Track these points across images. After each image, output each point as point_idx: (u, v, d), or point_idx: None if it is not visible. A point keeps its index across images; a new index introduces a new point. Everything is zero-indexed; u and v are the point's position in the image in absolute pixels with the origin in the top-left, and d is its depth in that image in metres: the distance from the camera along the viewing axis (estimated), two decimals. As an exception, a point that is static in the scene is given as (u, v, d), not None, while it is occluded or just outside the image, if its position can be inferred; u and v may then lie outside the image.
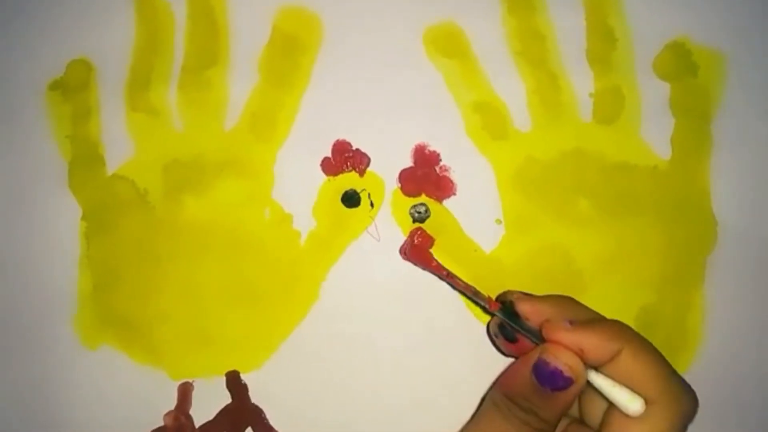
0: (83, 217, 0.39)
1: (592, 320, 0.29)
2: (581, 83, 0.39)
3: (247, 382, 0.37)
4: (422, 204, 0.38)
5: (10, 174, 0.39)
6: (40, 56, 0.40)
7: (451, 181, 0.39)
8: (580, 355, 0.27)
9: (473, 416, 0.31)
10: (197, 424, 0.37)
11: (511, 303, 0.31)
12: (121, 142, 0.39)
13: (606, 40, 0.40)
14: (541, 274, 0.38)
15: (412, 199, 0.39)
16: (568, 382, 0.27)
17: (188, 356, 0.38)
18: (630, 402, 0.27)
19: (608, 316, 0.36)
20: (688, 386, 0.28)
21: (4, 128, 0.40)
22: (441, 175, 0.39)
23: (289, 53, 0.40)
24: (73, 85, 0.40)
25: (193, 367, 0.38)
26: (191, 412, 0.37)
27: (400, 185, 0.39)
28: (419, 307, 0.38)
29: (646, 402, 0.26)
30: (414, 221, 0.38)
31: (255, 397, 0.37)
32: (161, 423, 0.37)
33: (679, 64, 0.39)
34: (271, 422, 0.37)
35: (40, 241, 0.39)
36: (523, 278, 0.38)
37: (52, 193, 0.39)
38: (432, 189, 0.39)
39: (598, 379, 0.28)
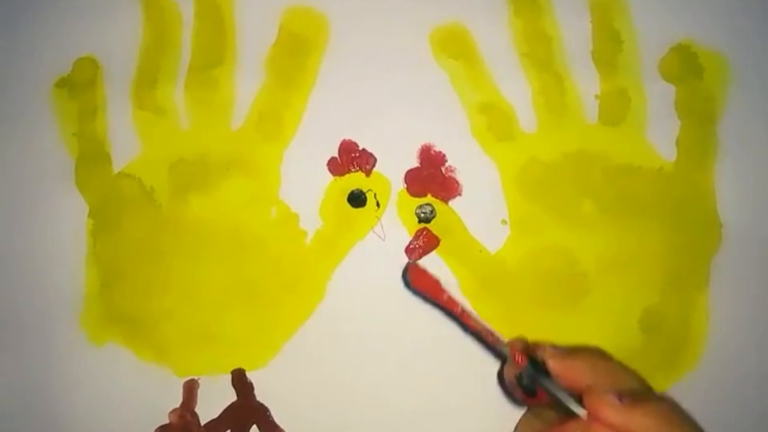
0: (90, 215, 0.39)
1: (640, 395, 0.27)
2: (587, 85, 0.39)
3: (252, 380, 0.37)
4: (428, 204, 0.39)
5: (17, 171, 0.39)
6: (47, 54, 0.40)
7: (457, 182, 0.39)
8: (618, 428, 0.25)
9: None
10: (203, 421, 0.37)
11: (543, 361, 0.28)
12: (127, 140, 0.40)
13: (612, 42, 0.40)
14: (545, 274, 0.38)
15: (417, 199, 0.39)
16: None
17: (194, 354, 0.38)
18: None
19: (612, 318, 0.37)
20: None
21: (11, 125, 0.40)
22: (447, 175, 0.39)
23: (296, 53, 0.40)
24: (80, 83, 0.40)
25: (198, 365, 0.38)
26: (197, 409, 0.37)
27: (406, 185, 0.39)
28: (424, 306, 0.38)
29: None
30: (420, 221, 0.39)
31: (260, 395, 0.37)
32: (167, 420, 0.37)
33: (685, 66, 0.40)
34: (276, 420, 0.37)
35: (46, 238, 0.39)
36: (528, 279, 0.38)
37: (59, 190, 0.39)
38: (438, 189, 0.39)
39: None
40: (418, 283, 0.31)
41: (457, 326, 0.36)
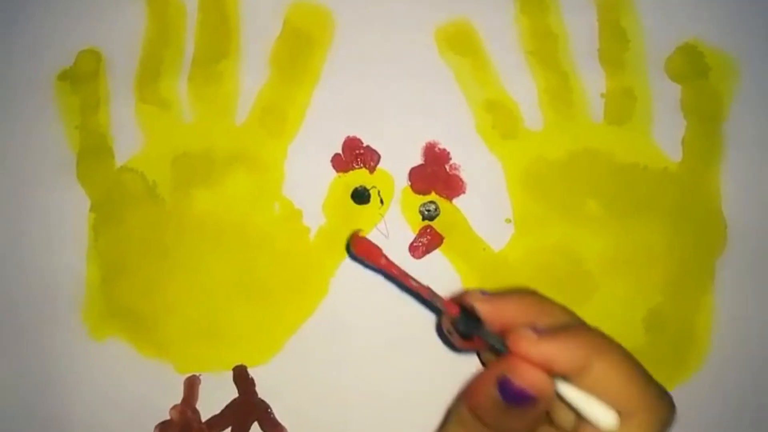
0: (91, 209, 0.39)
1: (560, 327, 0.27)
2: (593, 83, 0.39)
3: (254, 377, 0.37)
4: (432, 202, 0.38)
5: (18, 164, 0.39)
6: (49, 46, 0.40)
7: (461, 180, 0.39)
8: (548, 368, 0.25)
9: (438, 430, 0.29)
10: (204, 418, 0.37)
11: (472, 307, 0.28)
12: (130, 133, 0.39)
13: (618, 40, 0.40)
14: (549, 273, 0.38)
15: (421, 196, 0.39)
16: (534, 400, 0.25)
17: (195, 350, 0.38)
18: (603, 418, 0.25)
19: (616, 318, 0.37)
20: (665, 393, 0.26)
21: (12, 118, 0.39)
22: (451, 173, 0.39)
23: (301, 48, 0.40)
24: (83, 76, 0.40)
25: (200, 361, 0.38)
26: (198, 405, 0.37)
27: (409, 183, 0.39)
28: (428, 303, 0.38)
29: (621, 416, 0.25)
30: (423, 219, 0.38)
31: (262, 391, 0.37)
32: (167, 416, 0.37)
33: (691, 66, 0.39)
34: (278, 417, 0.37)
35: (48, 232, 0.39)
36: (532, 278, 0.38)
37: (60, 184, 0.39)
38: (442, 187, 0.39)
39: (568, 393, 0.25)
40: (358, 250, 0.31)
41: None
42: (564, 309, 0.28)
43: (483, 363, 0.35)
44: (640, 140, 0.39)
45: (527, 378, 0.25)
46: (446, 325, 0.30)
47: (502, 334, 0.27)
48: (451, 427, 0.28)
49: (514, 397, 0.25)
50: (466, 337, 0.29)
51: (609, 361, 0.25)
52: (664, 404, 0.26)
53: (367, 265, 0.35)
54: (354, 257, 0.35)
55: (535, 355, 0.25)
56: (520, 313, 0.28)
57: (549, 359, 0.25)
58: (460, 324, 0.28)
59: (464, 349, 0.33)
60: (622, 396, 0.25)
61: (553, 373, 0.25)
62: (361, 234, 0.34)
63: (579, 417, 0.26)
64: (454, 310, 0.29)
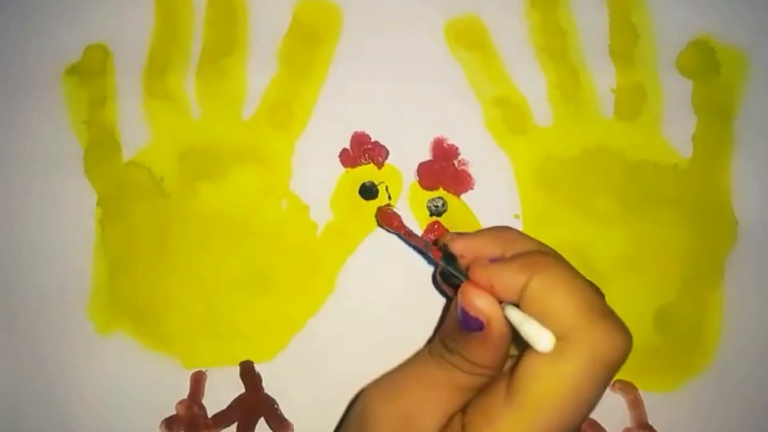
0: (98, 204, 0.39)
1: (516, 253, 0.26)
2: (603, 79, 0.39)
3: (260, 373, 0.37)
4: (440, 198, 0.38)
5: (25, 159, 0.39)
6: (57, 41, 0.40)
7: (470, 175, 0.38)
8: (494, 293, 0.25)
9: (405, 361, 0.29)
10: (210, 413, 0.37)
11: (446, 245, 0.28)
12: (137, 128, 0.39)
13: (629, 36, 0.39)
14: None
15: (429, 192, 0.38)
16: (479, 324, 0.25)
17: (202, 345, 0.37)
18: (537, 337, 0.23)
19: (626, 315, 0.37)
20: (618, 322, 0.23)
21: (20, 112, 0.39)
22: (459, 169, 0.39)
23: (309, 44, 0.40)
24: (90, 71, 0.40)
25: (206, 357, 0.37)
26: (204, 401, 0.37)
27: (418, 178, 0.38)
28: (435, 299, 0.37)
29: (558, 338, 0.23)
30: (431, 215, 0.38)
31: (268, 387, 0.37)
32: (174, 412, 0.37)
33: (702, 61, 0.39)
34: (284, 413, 0.37)
35: (54, 227, 0.38)
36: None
37: (68, 178, 0.39)
38: (450, 183, 0.38)
39: (511, 315, 0.24)
40: (380, 216, 0.36)
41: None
42: (538, 242, 0.27)
43: None
44: (650, 136, 0.39)
45: (473, 303, 0.25)
46: (439, 278, 0.31)
47: None
48: (419, 356, 0.28)
49: (467, 323, 0.25)
50: (453, 285, 0.29)
51: (546, 279, 0.24)
52: (611, 332, 0.23)
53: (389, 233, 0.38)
54: (379, 224, 0.37)
55: (480, 279, 0.25)
56: (491, 246, 0.27)
57: (491, 283, 0.25)
58: (442, 264, 0.29)
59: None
60: (558, 316, 0.23)
61: (500, 298, 0.25)
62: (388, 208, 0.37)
63: (525, 348, 0.24)
64: (437, 255, 0.29)
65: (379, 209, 0.37)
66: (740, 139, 0.39)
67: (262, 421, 0.37)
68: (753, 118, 0.39)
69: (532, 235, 0.37)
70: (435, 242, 0.32)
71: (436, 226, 0.38)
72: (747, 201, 0.38)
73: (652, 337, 0.37)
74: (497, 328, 0.25)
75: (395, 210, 0.37)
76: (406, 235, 0.34)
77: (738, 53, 0.39)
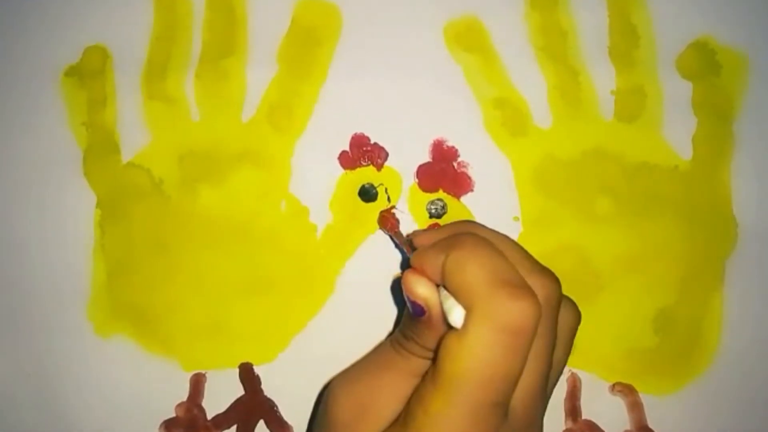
0: (98, 206, 0.39)
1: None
2: (603, 80, 0.39)
3: (260, 375, 0.37)
4: (439, 200, 0.38)
5: (24, 161, 0.39)
6: (56, 42, 0.40)
7: (469, 178, 0.38)
8: (426, 275, 0.25)
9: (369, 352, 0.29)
10: (209, 415, 0.37)
11: (411, 240, 0.29)
12: (136, 130, 0.39)
13: (629, 37, 0.39)
14: (558, 273, 0.37)
15: (429, 194, 0.38)
16: (418, 307, 0.25)
17: (201, 347, 0.37)
18: (450, 313, 0.23)
19: (626, 317, 0.37)
20: (522, 289, 0.23)
21: (19, 114, 0.39)
22: (459, 171, 0.38)
23: (308, 45, 0.40)
24: (90, 72, 0.40)
25: (205, 359, 0.37)
26: (203, 403, 0.37)
27: (417, 180, 0.38)
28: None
29: (466, 311, 0.23)
30: (431, 217, 0.38)
31: (268, 389, 0.37)
32: (173, 414, 0.37)
33: (702, 63, 0.39)
34: (284, 415, 0.37)
35: (53, 229, 0.38)
36: (540, 276, 0.37)
37: (67, 180, 0.39)
38: (449, 185, 0.38)
39: (441, 296, 0.24)
40: (379, 220, 0.37)
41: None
42: (487, 230, 0.28)
43: None
44: (650, 138, 0.38)
45: (411, 288, 0.25)
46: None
47: None
48: (381, 346, 0.28)
49: (413, 309, 0.25)
50: None
51: (458, 255, 0.24)
52: (510, 299, 0.22)
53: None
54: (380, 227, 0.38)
55: (415, 264, 0.26)
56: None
57: (420, 265, 0.25)
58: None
59: None
60: (464, 289, 0.23)
61: (433, 281, 0.25)
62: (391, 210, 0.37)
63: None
64: (410, 252, 0.29)
65: (381, 212, 0.37)
66: (740, 140, 0.39)
67: (261, 424, 0.37)
68: (753, 119, 0.39)
69: (532, 237, 0.38)
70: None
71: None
72: (747, 202, 0.38)
73: (651, 339, 0.37)
74: (435, 310, 0.25)
75: (397, 212, 0.37)
76: (393, 234, 0.35)
77: (738, 55, 0.39)
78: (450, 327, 0.24)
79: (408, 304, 0.25)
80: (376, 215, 0.38)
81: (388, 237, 0.37)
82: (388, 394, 0.26)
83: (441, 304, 0.24)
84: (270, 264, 0.38)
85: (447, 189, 0.38)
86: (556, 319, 0.25)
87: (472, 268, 0.23)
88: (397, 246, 0.37)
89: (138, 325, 0.38)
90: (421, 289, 0.25)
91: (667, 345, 0.37)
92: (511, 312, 0.22)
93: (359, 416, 0.26)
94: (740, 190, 0.38)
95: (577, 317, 0.27)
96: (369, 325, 0.37)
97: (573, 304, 0.28)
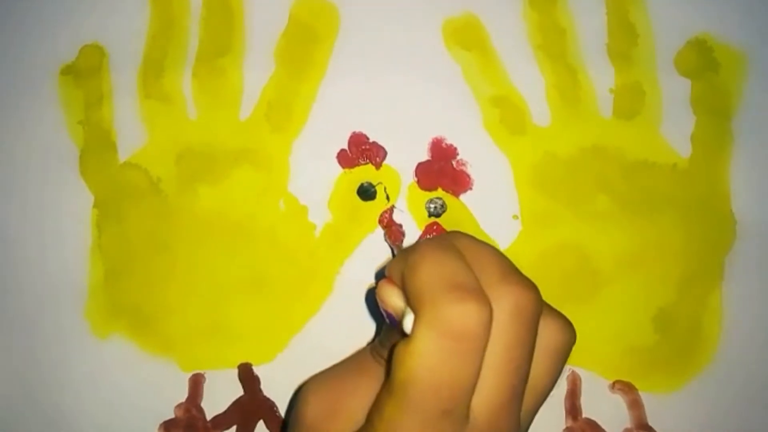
0: (95, 205, 0.38)
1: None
2: (601, 78, 0.39)
3: (259, 375, 0.37)
4: (438, 198, 0.38)
5: (20, 160, 0.39)
6: (52, 41, 0.40)
7: (468, 176, 0.38)
8: (397, 284, 0.24)
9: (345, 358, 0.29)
10: (208, 416, 0.37)
11: (398, 247, 0.29)
12: (133, 129, 0.39)
13: (627, 35, 0.39)
14: (557, 271, 0.37)
15: (428, 193, 0.38)
16: (391, 317, 0.25)
17: (200, 348, 0.37)
18: (403, 318, 0.23)
19: (625, 315, 0.37)
20: (468, 293, 0.21)
21: (15, 113, 0.39)
22: (458, 169, 0.38)
23: (306, 43, 0.39)
24: (86, 71, 0.39)
25: (204, 359, 0.37)
26: (202, 404, 0.37)
27: (416, 179, 0.38)
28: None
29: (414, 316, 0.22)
30: (430, 215, 0.38)
31: (267, 389, 0.37)
32: (172, 415, 0.37)
33: (701, 61, 0.39)
34: (283, 415, 0.37)
35: (50, 228, 0.38)
36: (539, 275, 0.37)
37: (63, 180, 0.38)
38: (448, 183, 0.38)
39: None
40: (380, 219, 0.37)
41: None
42: (465, 237, 0.26)
43: None
44: (649, 136, 0.38)
45: (381, 297, 0.25)
46: None
47: None
48: (359, 352, 0.28)
49: (387, 317, 0.25)
50: None
51: (413, 261, 0.23)
52: (453, 302, 0.21)
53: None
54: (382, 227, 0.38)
55: (387, 273, 0.25)
56: None
57: (390, 274, 0.25)
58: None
59: None
60: (413, 295, 0.23)
61: (399, 287, 0.24)
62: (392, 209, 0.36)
63: None
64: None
65: (388, 226, 0.37)
66: (739, 138, 0.39)
67: (261, 424, 0.37)
68: (752, 117, 0.39)
69: (531, 235, 0.38)
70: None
71: (434, 227, 0.38)
72: (746, 200, 0.38)
73: (651, 337, 0.37)
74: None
75: (396, 210, 0.37)
76: (396, 248, 0.34)
77: (736, 52, 0.39)
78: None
79: (383, 313, 0.25)
80: (375, 214, 0.38)
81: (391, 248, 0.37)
82: (361, 397, 0.26)
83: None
84: (268, 263, 0.37)
85: (446, 187, 0.38)
86: (531, 332, 0.23)
87: (422, 273, 0.23)
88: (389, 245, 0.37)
89: (136, 326, 0.37)
90: (392, 299, 0.24)
91: (666, 343, 0.37)
92: (454, 315, 0.21)
93: (329, 417, 0.26)
94: (739, 187, 0.38)
95: (568, 337, 0.25)
96: (368, 324, 0.37)
97: (566, 323, 0.25)
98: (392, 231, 0.36)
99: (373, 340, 0.28)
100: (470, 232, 0.37)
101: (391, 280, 0.25)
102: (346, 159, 0.38)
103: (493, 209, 0.38)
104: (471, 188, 0.38)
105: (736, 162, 0.38)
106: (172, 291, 0.37)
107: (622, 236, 0.38)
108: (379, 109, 0.39)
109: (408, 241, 0.38)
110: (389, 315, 0.25)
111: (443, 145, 0.39)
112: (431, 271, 0.22)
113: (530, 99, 0.39)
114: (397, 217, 0.38)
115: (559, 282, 0.37)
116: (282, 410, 0.37)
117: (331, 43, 0.39)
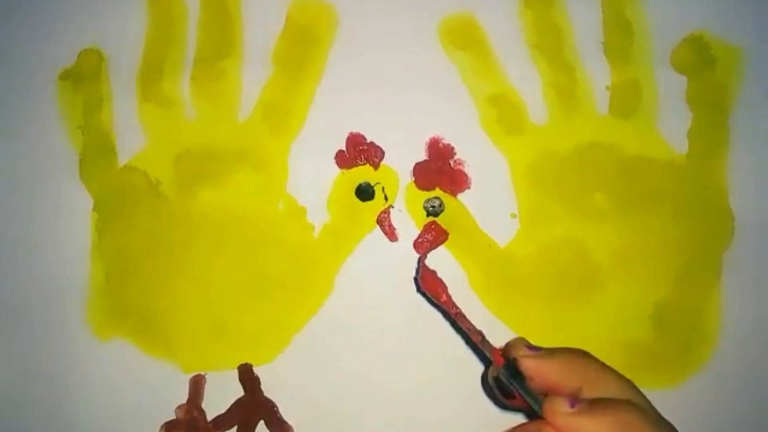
0: (95, 209, 0.39)
1: (601, 401, 0.26)
2: (598, 76, 0.39)
3: (259, 375, 0.37)
4: (436, 198, 0.38)
5: (20, 164, 0.39)
6: (51, 45, 0.40)
7: (466, 175, 0.38)
8: None
9: None
10: (209, 417, 0.37)
11: (515, 360, 0.28)
12: (132, 132, 0.39)
13: (623, 33, 0.39)
14: (555, 268, 0.38)
15: (426, 192, 0.38)
16: (526, 391, 0.26)
17: (200, 349, 0.37)
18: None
19: (623, 312, 0.37)
20: None
21: (14, 118, 0.39)
22: (455, 168, 0.38)
23: (304, 45, 0.40)
24: (85, 75, 0.40)
25: (205, 360, 0.37)
26: (203, 405, 0.37)
27: (414, 179, 0.38)
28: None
29: None
30: (428, 215, 0.38)
31: (267, 390, 0.37)
32: (173, 416, 0.37)
33: (697, 57, 0.39)
34: (284, 415, 0.37)
35: (51, 232, 0.38)
36: (538, 273, 0.38)
37: (63, 184, 0.39)
38: (446, 183, 0.38)
39: None
40: (425, 283, 0.33)
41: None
42: (616, 376, 0.27)
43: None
44: (646, 133, 0.39)
45: (538, 379, 0.25)
46: (491, 379, 0.30)
47: (544, 395, 0.26)
48: None
49: (520, 391, 0.26)
50: (507, 393, 0.29)
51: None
52: None
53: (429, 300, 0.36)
54: (419, 290, 0.37)
55: (564, 429, 0.25)
56: (567, 378, 0.27)
57: (559, 426, 0.25)
58: (504, 376, 0.28)
59: (507, 405, 0.32)
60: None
61: None
62: (430, 268, 0.34)
63: None
64: (501, 362, 0.28)
65: (424, 270, 0.34)
66: (736, 134, 0.39)
67: (261, 424, 0.37)
68: (748, 113, 0.39)
69: (529, 234, 0.38)
70: (489, 344, 0.31)
71: (433, 226, 0.38)
72: (743, 196, 0.38)
73: (649, 334, 0.37)
74: None
75: (393, 210, 0.37)
76: (456, 317, 0.32)
77: (732, 49, 0.39)
78: None
79: (516, 386, 0.27)
80: (374, 214, 0.38)
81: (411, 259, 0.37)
82: None
83: None
84: (268, 264, 0.38)
85: (444, 187, 0.38)
86: None
87: None
88: (449, 318, 0.36)
89: (137, 328, 0.38)
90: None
91: (665, 339, 0.37)
92: None
93: None
94: (736, 183, 0.38)
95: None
96: (368, 324, 0.37)
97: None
98: (428, 278, 0.34)
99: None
100: (468, 231, 0.38)
101: (552, 427, 0.25)
102: (344, 159, 0.38)
103: (490, 208, 0.38)
104: (469, 187, 0.38)
105: (733, 158, 0.38)
106: (173, 293, 0.38)
107: (620, 233, 0.38)
108: (376, 109, 0.39)
109: (407, 241, 0.38)
110: (527, 391, 0.26)
111: (440, 144, 0.39)
112: None
113: (527, 98, 0.39)
114: (395, 216, 0.38)
115: (557, 279, 0.37)
116: (282, 410, 0.37)
117: (329, 45, 0.40)
